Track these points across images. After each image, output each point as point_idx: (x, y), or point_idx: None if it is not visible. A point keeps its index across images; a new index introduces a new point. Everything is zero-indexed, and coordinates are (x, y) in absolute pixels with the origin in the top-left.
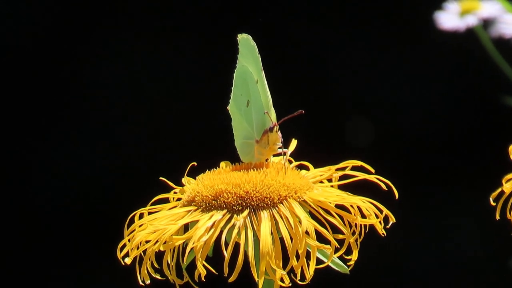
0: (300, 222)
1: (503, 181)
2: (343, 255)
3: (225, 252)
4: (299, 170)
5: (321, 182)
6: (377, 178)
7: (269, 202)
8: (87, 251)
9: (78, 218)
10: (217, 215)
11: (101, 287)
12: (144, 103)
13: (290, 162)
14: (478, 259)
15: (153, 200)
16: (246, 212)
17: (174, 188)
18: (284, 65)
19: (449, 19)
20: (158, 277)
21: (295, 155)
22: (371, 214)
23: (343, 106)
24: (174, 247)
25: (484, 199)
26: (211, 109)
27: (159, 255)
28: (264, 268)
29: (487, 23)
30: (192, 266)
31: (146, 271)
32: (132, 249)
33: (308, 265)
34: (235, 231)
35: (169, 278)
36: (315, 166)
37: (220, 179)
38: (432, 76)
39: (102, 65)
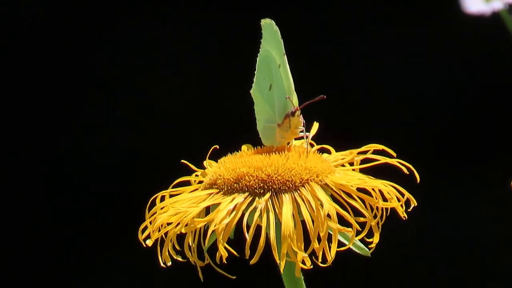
0: (321, 205)
1: None
2: (365, 238)
3: (246, 234)
4: (320, 153)
5: (343, 165)
6: (399, 162)
7: (291, 185)
8: (109, 233)
9: (100, 201)
10: (239, 198)
11: (123, 269)
12: (166, 87)
13: (312, 145)
14: (496, 246)
15: (174, 183)
16: (267, 195)
17: (195, 171)
18: (306, 50)
19: (474, 3)
20: (179, 259)
21: (317, 139)
22: (392, 197)
23: (365, 90)
24: (196, 230)
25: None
26: (234, 93)
27: (181, 237)
28: (286, 250)
29: None
30: (213, 248)
31: (167, 253)
32: (153, 231)
33: (330, 247)
34: (257, 214)
35: (190, 260)
36: (337, 150)
37: (242, 162)
38: (456, 60)
39: (122, 49)
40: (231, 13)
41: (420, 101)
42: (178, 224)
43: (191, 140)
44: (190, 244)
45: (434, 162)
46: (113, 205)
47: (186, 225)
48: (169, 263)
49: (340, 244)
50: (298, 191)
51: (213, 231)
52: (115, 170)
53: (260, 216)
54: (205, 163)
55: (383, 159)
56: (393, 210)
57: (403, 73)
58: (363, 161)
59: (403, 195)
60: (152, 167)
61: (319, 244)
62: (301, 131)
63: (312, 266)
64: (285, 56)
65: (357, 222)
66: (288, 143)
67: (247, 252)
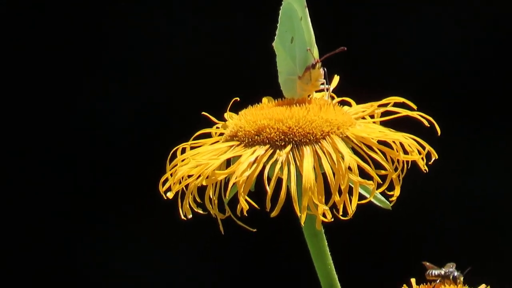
0: (342, 157)
1: None
2: (385, 191)
3: (267, 187)
4: (341, 106)
5: (363, 118)
6: (419, 115)
7: (312, 138)
8: (131, 185)
9: (121, 153)
10: (260, 150)
11: (144, 221)
12: (187, 38)
13: (333, 98)
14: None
15: (195, 135)
16: (288, 147)
17: (216, 123)
18: (327, 3)
19: None
20: (200, 211)
21: (337, 91)
22: (413, 150)
23: (386, 43)
24: (216, 182)
25: None
26: (256, 46)
27: (201, 190)
28: (307, 203)
29: None
30: (234, 201)
31: (188, 206)
32: (174, 183)
33: (351, 200)
34: (278, 166)
35: (211, 212)
36: (357, 103)
37: (262, 114)
38: (476, 17)
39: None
40: None
41: (442, 56)
42: (199, 176)
43: (212, 92)
44: (211, 197)
45: (454, 116)
46: (134, 158)
47: (207, 177)
48: (190, 216)
49: (361, 197)
50: (319, 144)
51: (234, 184)
52: (136, 123)
53: (281, 168)
54: (226, 115)
55: (403, 112)
56: (414, 163)
57: (426, 28)
58: (383, 114)
59: (424, 148)
60: (173, 120)
61: (340, 197)
62: (322, 84)
63: (332, 219)
64: (307, 8)
65: (378, 175)
66: (309, 96)
67: (268, 204)
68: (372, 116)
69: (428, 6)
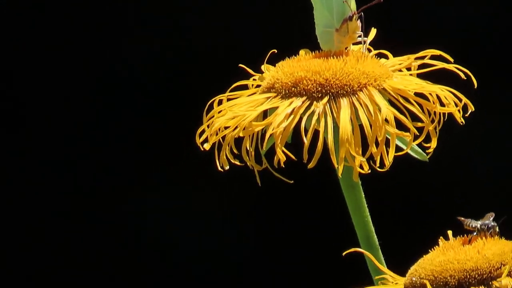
0: (379, 109)
1: None
2: (422, 142)
3: (304, 138)
4: (378, 58)
5: (400, 70)
6: (456, 67)
7: (349, 90)
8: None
9: (157, 103)
10: (297, 101)
11: (179, 170)
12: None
13: (370, 50)
14: None
15: (232, 87)
16: (325, 99)
17: (253, 75)
18: None
19: None
20: (237, 163)
21: (374, 44)
22: (450, 102)
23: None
24: (253, 133)
25: None
26: None
27: (238, 141)
28: (344, 155)
29: None
30: (271, 152)
31: (225, 157)
32: (211, 135)
33: (387, 152)
34: (315, 117)
35: (248, 164)
36: (394, 55)
37: (299, 66)
38: None
39: None
40: None
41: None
42: (236, 127)
43: (249, 44)
44: (248, 148)
45: (491, 72)
46: (171, 109)
47: (244, 128)
48: (227, 167)
49: (398, 148)
50: (356, 95)
51: (271, 135)
52: (173, 75)
53: (318, 120)
54: (263, 67)
55: (440, 64)
56: (451, 115)
57: None
58: (420, 66)
59: (460, 100)
60: (210, 72)
61: (377, 148)
62: (359, 36)
63: (369, 171)
64: None
65: (414, 126)
66: (346, 48)
67: (305, 156)
68: (409, 69)
69: None
